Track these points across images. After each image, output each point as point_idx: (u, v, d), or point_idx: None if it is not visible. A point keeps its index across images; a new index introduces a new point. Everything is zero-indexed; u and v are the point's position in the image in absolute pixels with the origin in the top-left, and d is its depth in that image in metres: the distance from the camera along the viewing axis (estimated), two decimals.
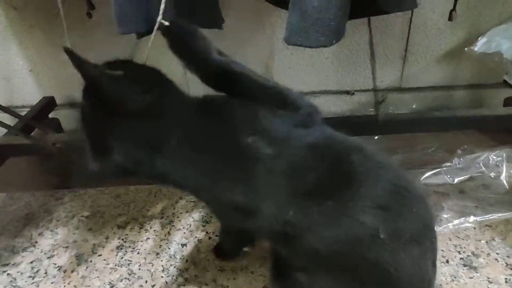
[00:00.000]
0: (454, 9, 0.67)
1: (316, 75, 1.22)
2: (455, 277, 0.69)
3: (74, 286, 0.72)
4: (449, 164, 0.95)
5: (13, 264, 0.78)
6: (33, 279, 0.74)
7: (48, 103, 1.13)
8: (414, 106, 1.24)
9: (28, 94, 1.22)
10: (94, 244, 0.81)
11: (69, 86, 1.16)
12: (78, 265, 0.77)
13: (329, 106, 1.26)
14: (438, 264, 0.68)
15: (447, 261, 0.72)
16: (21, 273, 0.75)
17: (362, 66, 1.21)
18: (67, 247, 0.81)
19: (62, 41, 1.11)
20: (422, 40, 1.15)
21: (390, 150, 1.04)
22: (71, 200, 0.95)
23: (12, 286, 0.73)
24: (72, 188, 0.99)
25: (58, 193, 0.98)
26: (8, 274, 0.75)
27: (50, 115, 1.16)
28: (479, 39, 1.02)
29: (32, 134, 0.98)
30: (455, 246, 0.75)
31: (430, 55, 1.18)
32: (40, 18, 1.10)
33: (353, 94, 1.25)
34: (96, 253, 0.79)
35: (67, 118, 1.20)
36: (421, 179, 0.92)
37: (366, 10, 0.54)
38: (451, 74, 1.21)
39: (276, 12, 1.10)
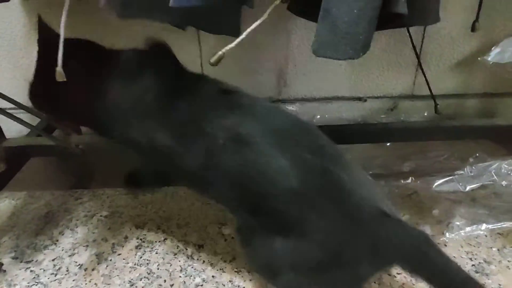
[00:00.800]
0: (477, 20, 0.68)
1: (329, 81, 1.24)
2: None
3: (95, 284, 0.75)
4: (461, 172, 0.96)
5: (35, 261, 0.80)
6: (55, 276, 0.77)
7: None
8: (425, 114, 1.26)
9: None
10: (113, 244, 0.84)
11: None
12: (98, 264, 0.79)
13: (342, 112, 1.28)
14: None
15: None
16: (44, 270, 0.78)
17: (375, 73, 1.22)
18: (87, 245, 0.84)
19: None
20: (435, 48, 1.17)
21: (402, 157, 1.06)
22: (90, 200, 0.98)
23: (35, 282, 0.76)
24: (90, 188, 1.02)
25: (77, 193, 1.01)
26: (31, 270, 0.78)
27: None
28: (492, 49, 1.03)
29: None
30: (467, 253, 0.77)
31: (443, 64, 1.19)
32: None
33: (365, 100, 1.27)
34: (115, 252, 0.82)
35: None
36: (433, 186, 0.93)
37: (391, 23, 0.56)
38: (463, 83, 1.22)
39: (292, 19, 1.12)
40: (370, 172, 1.02)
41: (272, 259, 0.57)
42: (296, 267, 0.55)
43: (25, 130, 0.97)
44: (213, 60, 0.54)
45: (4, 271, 0.78)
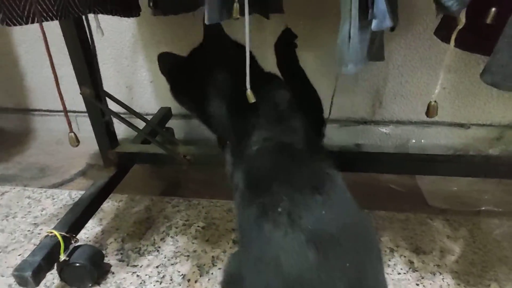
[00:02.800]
0: None
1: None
2: None
3: None
4: None
5: (140, 266, 0.83)
6: (160, 284, 0.78)
7: (166, 113, 1.20)
8: None
9: (146, 103, 1.31)
10: (213, 256, 0.84)
11: None
12: (200, 276, 0.80)
13: (440, 138, 1.20)
14: None
15: None
16: (149, 277, 0.80)
17: (482, 100, 1.14)
18: (188, 256, 0.85)
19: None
20: None
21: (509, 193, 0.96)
22: (187, 209, 1.00)
23: (143, 287, 0.77)
24: (185, 196, 1.04)
25: (174, 201, 1.03)
26: (138, 275, 0.80)
27: (166, 125, 1.23)
28: None
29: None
30: None
31: None
32: (166, 35, 1.19)
33: (468, 127, 1.18)
34: (216, 265, 0.82)
35: (180, 128, 1.27)
36: None
37: None
38: None
39: (396, 38, 1.08)
40: (482, 208, 0.94)
41: None
42: None
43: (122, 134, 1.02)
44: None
45: (113, 272, 0.81)
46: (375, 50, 0.61)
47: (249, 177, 0.55)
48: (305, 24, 1.06)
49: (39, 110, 1.45)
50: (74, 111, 1.28)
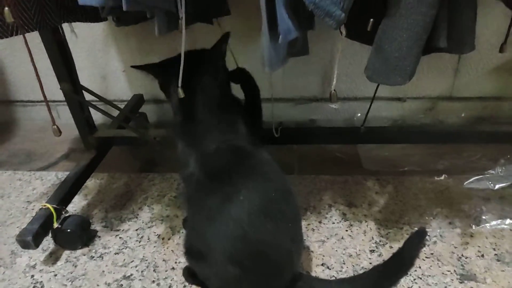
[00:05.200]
0: (505, 42, 0.77)
1: (371, 82, 1.34)
2: (488, 269, 0.81)
3: (172, 250, 0.92)
4: (492, 171, 1.06)
5: (122, 230, 0.99)
6: (139, 242, 0.95)
7: (139, 100, 1.34)
8: (463, 115, 1.33)
9: (120, 91, 1.44)
10: (183, 219, 1.01)
11: (155, 85, 1.37)
12: (172, 235, 0.96)
13: (381, 111, 1.38)
14: (473, 257, 0.81)
15: (482, 255, 0.84)
16: (130, 238, 0.96)
17: (416, 75, 1.30)
18: (162, 220, 1.01)
19: (150, 48, 1.32)
20: (473, 53, 1.23)
21: (437, 155, 1.16)
22: (161, 182, 1.16)
23: (124, 246, 0.94)
24: (160, 172, 1.20)
25: (149, 176, 1.19)
26: (120, 237, 0.97)
27: (140, 110, 1.37)
28: None
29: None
30: (491, 244, 0.87)
31: (481, 68, 1.27)
32: (135, 28, 1.31)
33: (405, 101, 1.36)
34: None
35: (153, 112, 1.41)
36: (465, 184, 1.03)
37: (432, 51, 0.66)
38: (501, 87, 1.29)
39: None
40: (406, 169, 1.13)
41: None
42: None
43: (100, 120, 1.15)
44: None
45: (99, 236, 0.97)
46: (299, 47, 0.77)
47: (207, 170, 0.71)
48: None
49: (20, 101, 1.56)
50: (54, 101, 1.40)
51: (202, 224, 0.69)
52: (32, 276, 0.87)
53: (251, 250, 0.65)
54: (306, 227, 0.95)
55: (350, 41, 1.28)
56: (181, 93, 0.64)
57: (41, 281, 0.86)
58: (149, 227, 0.99)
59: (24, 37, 0.70)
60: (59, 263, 0.90)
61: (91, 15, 0.82)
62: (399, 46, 0.60)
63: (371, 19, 0.63)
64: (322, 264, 0.85)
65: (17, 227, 1.02)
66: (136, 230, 0.99)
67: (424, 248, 0.87)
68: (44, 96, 0.71)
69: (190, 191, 0.74)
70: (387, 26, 0.62)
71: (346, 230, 0.94)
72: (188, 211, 0.81)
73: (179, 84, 0.63)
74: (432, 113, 1.38)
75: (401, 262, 0.82)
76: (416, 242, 0.87)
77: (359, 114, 1.41)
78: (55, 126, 0.72)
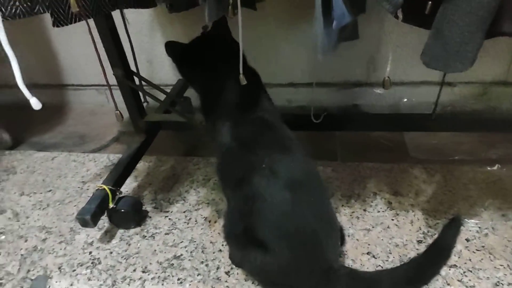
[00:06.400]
0: None
1: (418, 66, 1.28)
2: None
3: (218, 233, 0.95)
4: None
5: (171, 212, 1.03)
6: (187, 224, 0.99)
7: (184, 84, 1.37)
8: None
9: (165, 76, 1.48)
10: None
11: None
12: (218, 218, 1.00)
13: (429, 97, 1.33)
14: None
15: None
16: (178, 219, 1.01)
17: None
18: (208, 203, 1.05)
19: (194, 34, 1.33)
20: None
21: (490, 144, 1.11)
22: (205, 166, 1.19)
23: (174, 227, 0.98)
24: (204, 156, 1.23)
25: (194, 160, 1.22)
26: (169, 219, 1.01)
27: (184, 95, 1.40)
28: None
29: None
30: None
31: None
32: (180, 15, 1.32)
33: (455, 86, 1.30)
34: None
35: (196, 97, 1.44)
36: None
37: (493, 36, 0.63)
38: None
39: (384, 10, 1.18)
40: (456, 158, 1.09)
41: None
42: None
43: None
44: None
45: (150, 217, 1.02)
46: (349, 32, 0.75)
47: (236, 138, 0.75)
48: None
49: (71, 85, 1.63)
50: (104, 85, 1.46)
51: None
52: (90, 252, 0.93)
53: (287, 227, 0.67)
54: (351, 215, 0.95)
55: (397, 23, 1.25)
56: (243, 80, 0.65)
57: (99, 258, 0.92)
58: (196, 210, 1.03)
59: (88, 25, 0.73)
60: (114, 241, 0.96)
61: (142, 1, 0.84)
62: (461, 30, 0.57)
63: (430, 1, 0.60)
64: (368, 253, 0.85)
65: (74, 205, 1.09)
66: (184, 212, 1.03)
67: (474, 241, 0.85)
68: (107, 81, 0.75)
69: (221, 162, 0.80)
70: (448, 9, 0.59)
71: (392, 219, 0.93)
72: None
73: (241, 71, 0.64)
74: (484, 99, 1.31)
75: (439, 253, 0.77)
76: (452, 230, 0.83)
77: (405, 100, 1.36)
78: (118, 112, 0.76)
